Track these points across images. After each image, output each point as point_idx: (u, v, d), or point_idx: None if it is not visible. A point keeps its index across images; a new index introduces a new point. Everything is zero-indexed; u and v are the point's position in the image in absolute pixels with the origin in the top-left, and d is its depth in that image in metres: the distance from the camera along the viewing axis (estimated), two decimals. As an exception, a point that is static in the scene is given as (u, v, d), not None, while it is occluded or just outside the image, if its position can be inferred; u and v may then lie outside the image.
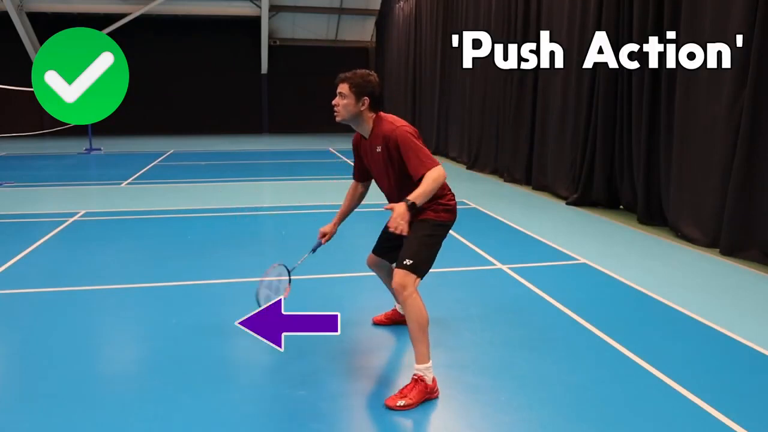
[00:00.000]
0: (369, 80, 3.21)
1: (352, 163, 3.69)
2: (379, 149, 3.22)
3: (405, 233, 2.84)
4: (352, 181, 3.75)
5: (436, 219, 3.23)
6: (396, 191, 3.31)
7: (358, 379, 3.33)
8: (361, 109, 3.21)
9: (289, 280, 3.49)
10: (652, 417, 2.91)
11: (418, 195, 2.93)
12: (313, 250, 3.52)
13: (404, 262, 3.11)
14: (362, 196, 3.77)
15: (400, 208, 2.86)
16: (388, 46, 21.84)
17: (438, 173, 3.01)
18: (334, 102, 3.24)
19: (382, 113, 3.29)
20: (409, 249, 3.15)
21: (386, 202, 3.58)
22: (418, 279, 3.11)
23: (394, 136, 3.13)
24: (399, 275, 3.09)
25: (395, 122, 3.21)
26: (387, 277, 3.75)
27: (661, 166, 7.04)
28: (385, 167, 3.27)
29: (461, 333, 3.94)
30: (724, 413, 2.92)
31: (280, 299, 3.34)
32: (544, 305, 4.48)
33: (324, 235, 3.64)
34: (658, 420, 2.88)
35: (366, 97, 3.19)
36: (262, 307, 3.29)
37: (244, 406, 3.01)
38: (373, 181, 3.61)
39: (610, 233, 6.90)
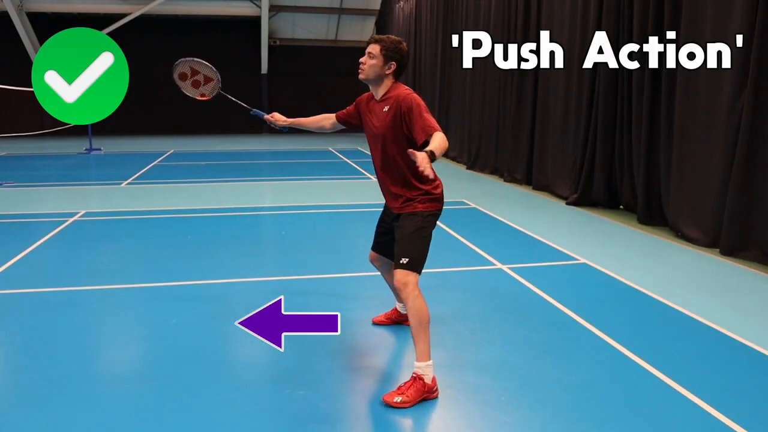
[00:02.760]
0: (400, 48, 3.28)
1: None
2: (386, 108, 3.26)
3: (430, 175, 2.79)
4: (332, 114, 3.77)
5: (424, 210, 3.26)
6: (381, 160, 3.34)
7: (358, 379, 3.33)
8: (386, 72, 3.27)
9: (214, 94, 3.48)
10: (652, 417, 2.91)
11: (435, 147, 2.92)
12: (250, 109, 3.51)
13: (401, 261, 3.15)
14: (322, 128, 3.82)
15: (423, 154, 2.83)
16: (388, 46, 21.80)
17: (443, 135, 3.04)
18: (361, 60, 3.29)
19: (400, 83, 3.34)
20: (404, 247, 3.18)
21: (383, 202, 3.58)
22: (418, 275, 3.15)
23: (409, 99, 3.17)
24: (399, 275, 3.13)
25: (411, 91, 3.27)
26: (387, 274, 3.78)
27: (661, 166, 7.04)
28: (383, 128, 3.27)
29: (461, 333, 3.94)
30: (724, 413, 2.92)
31: (188, 93, 3.24)
32: (544, 305, 4.48)
33: (272, 116, 3.74)
34: (658, 420, 2.88)
35: (393, 63, 3.25)
36: (173, 77, 3.37)
37: (244, 406, 3.01)
38: (379, 183, 3.57)
39: (610, 233, 6.90)
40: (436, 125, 3.10)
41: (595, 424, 2.85)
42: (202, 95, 3.45)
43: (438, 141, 2.97)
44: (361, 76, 3.32)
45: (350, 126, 3.69)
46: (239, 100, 3.71)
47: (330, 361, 3.53)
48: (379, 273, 3.99)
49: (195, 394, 3.12)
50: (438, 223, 3.40)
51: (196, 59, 3.55)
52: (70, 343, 3.78)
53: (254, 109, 3.68)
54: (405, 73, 3.48)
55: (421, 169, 2.76)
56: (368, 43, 3.32)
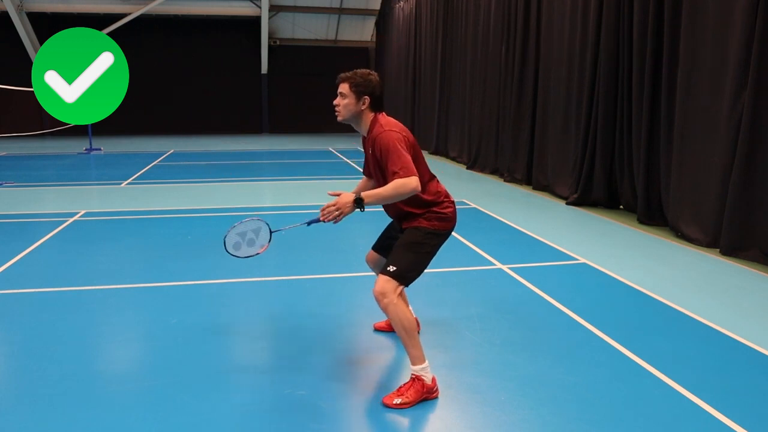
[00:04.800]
0: (369, 80, 3.18)
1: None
2: (370, 151, 3.21)
3: (330, 220, 2.79)
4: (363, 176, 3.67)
5: (428, 227, 3.18)
6: None
7: (358, 379, 3.33)
8: (362, 108, 3.18)
9: (270, 239, 3.38)
10: (652, 417, 2.91)
11: (371, 194, 2.88)
12: (308, 224, 3.37)
13: (387, 268, 3.06)
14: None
15: (347, 198, 2.84)
16: (388, 46, 21.84)
17: (404, 183, 2.92)
18: (335, 102, 3.22)
19: (381, 115, 3.24)
20: (395, 255, 3.12)
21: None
22: (401, 286, 3.05)
23: (379, 138, 3.08)
24: (380, 281, 3.04)
25: (386, 125, 3.14)
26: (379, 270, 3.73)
27: (661, 165, 7.04)
28: (375, 169, 3.25)
29: (461, 333, 3.94)
30: (724, 413, 2.92)
31: (250, 254, 3.30)
32: (544, 305, 4.48)
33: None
34: (658, 420, 2.88)
35: (366, 97, 3.16)
36: (228, 252, 3.26)
37: (244, 406, 3.01)
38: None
39: (610, 233, 6.90)
40: (401, 167, 2.94)
41: (595, 424, 2.85)
42: (262, 247, 3.40)
43: (386, 188, 2.91)
44: (339, 119, 3.23)
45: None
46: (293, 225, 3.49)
47: (330, 361, 3.53)
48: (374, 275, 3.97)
49: (195, 394, 3.12)
50: None
51: (233, 227, 3.39)
52: (70, 343, 3.78)
53: (310, 221, 3.30)
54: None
55: (321, 214, 2.81)
56: (337, 83, 3.21)
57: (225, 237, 3.31)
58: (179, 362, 3.50)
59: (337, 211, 2.90)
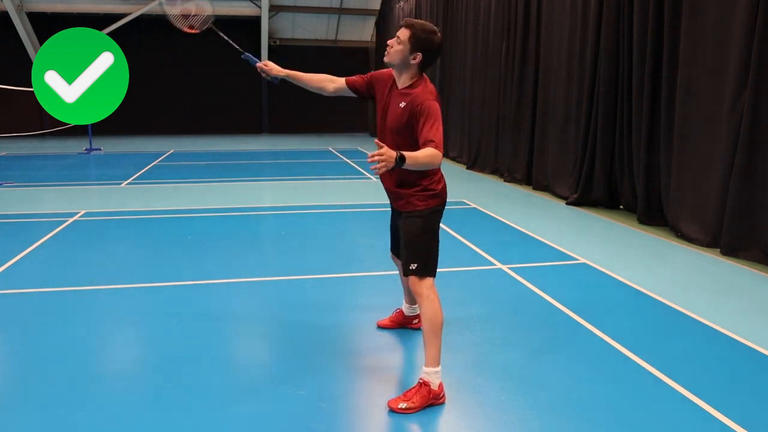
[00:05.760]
0: (432, 39, 3.05)
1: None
2: (402, 104, 3.08)
3: (379, 171, 2.71)
4: (342, 78, 3.52)
5: (425, 208, 3.15)
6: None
7: (359, 379, 3.33)
8: (412, 62, 3.06)
9: (201, 27, 3.27)
10: (652, 417, 2.91)
11: (411, 156, 2.79)
12: (243, 53, 3.26)
13: (410, 267, 3.08)
14: (322, 89, 3.53)
15: (392, 153, 2.74)
16: (388, 46, 21.82)
17: (437, 154, 2.88)
18: (389, 42, 3.10)
19: (426, 77, 3.15)
20: (410, 251, 3.12)
21: (387, 204, 3.58)
22: (431, 278, 3.10)
23: (425, 105, 2.97)
24: (413, 284, 3.10)
25: (432, 93, 3.06)
26: (403, 274, 3.71)
27: (661, 165, 7.04)
28: (394, 122, 3.12)
29: (461, 333, 3.94)
30: (725, 413, 2.92)
31: (171, 12, 3.13)
32: (545, 305, 4.48)
33: (265, 63, 3.50)
34: (658, 420, 2.88)
35: (420, 54, 3.04)
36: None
37: (244, 406, 3.01)
38: (381, 181, 3.54)
39: (610, 233, 6.89)
40: (438, 140, 2.92)
41: (595, 424, 2.85)
42: (191, 27, 3.21)
43: (422, 153, 2.85)
44: (385, 59, 3.11)
45: (358, 95, 3.44)
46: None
47: (330, 361, 3.52)
48: (384, 274, 3.96)
49: (195, 394, 3.12)
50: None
51: None
52: (70, 343, 3.78)
53: (246, 53, 3.33)
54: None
55: (369, 158, 2.66)
56: (400, 25, 3.09)
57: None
58: (179, 362, 3.50)
59: (384, 162, 2.73)
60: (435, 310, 3.04)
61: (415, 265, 3.08)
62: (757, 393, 3.15)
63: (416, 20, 3.11)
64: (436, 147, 2.88)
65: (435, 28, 3.12)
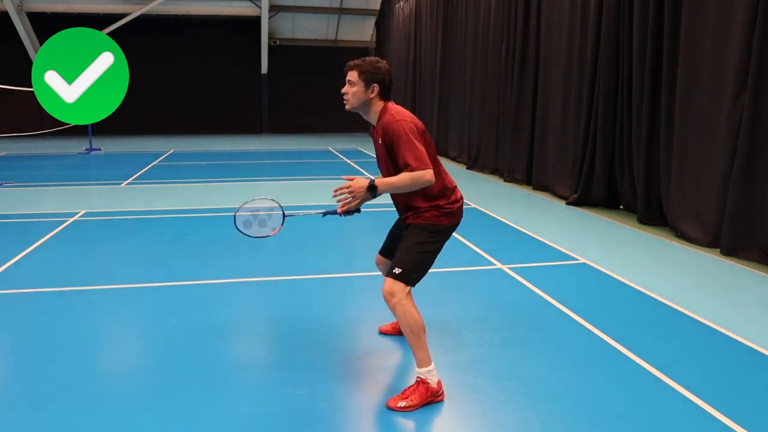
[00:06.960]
0: (378, 67, 3.10)
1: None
2: (380, 141, 3.12)
3: (342, 210, 2.69)
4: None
5: (433, 224, 3.13)
6: None
7: (359, 379, 3.33)
8: (371, 96, 3.10)
9: (282, 223, 3.28)
10: (652, 417, 2.91)
11: (385, 182, 2.80)
12: (324, 214, 3.26)
13: (393, 270, 3.04)
14: None
15: (361, 182, 2.74)
16: (388, 46, 21.83)
17: (420, 175, 2.89)
18: (343, 90, 3.14)
19: (390, 104, 3.17)
20: (400, 257, 3.09)
21: (387, 204, 3.57)
22: (408, 287, 3.03)
23: (390, 128, 3.00)
24: (387, 283, 3.03)
25: (397, 115, 3.06)
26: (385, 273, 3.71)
27: (661, 165, 7.04)
28: (384, 161, 3.17)
29: (461, 333, 3.94)
30: (724, 413, 2.92)
31: (261, 235, 3.22)
32: (544, 305, 4.48)
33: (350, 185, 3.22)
34: (658, 420, 2.88)
35: (375, 85, 3.08)
36: (237, 229, 3.15)
37: (244, 406, 3.01)
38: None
39: (610, 233, 6.89)
40: (414, 160, 2.91)
41: (594, 424, 2.85)
42: (274, 230, 3.31)
43: (398, 179, 2.86)
44: (347, 107, 3.15)
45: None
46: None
47: (330, 361, 3.52)
48: (381, 275, 3.96)
49: (195, 394, 3.12)
50: None
51: (246, 203, 3.30)
52: (70, 343, 3.78)
53: (325, 212, 3.19)
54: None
55: (334, 194, 2.68)
56: (345, 70, 3.13)
57: (236, 212, 3.22)
58: (179, 362, 3.50)
59: (350, 194, 2.78)
60: (411, 314, 2.98)
61: (400, 270, 3.03)
62: (757, 393, 3.15)
63: (355, 60, 3.15)
64: (413, 169, 2.90)
65: (377, 58, 3.17)
